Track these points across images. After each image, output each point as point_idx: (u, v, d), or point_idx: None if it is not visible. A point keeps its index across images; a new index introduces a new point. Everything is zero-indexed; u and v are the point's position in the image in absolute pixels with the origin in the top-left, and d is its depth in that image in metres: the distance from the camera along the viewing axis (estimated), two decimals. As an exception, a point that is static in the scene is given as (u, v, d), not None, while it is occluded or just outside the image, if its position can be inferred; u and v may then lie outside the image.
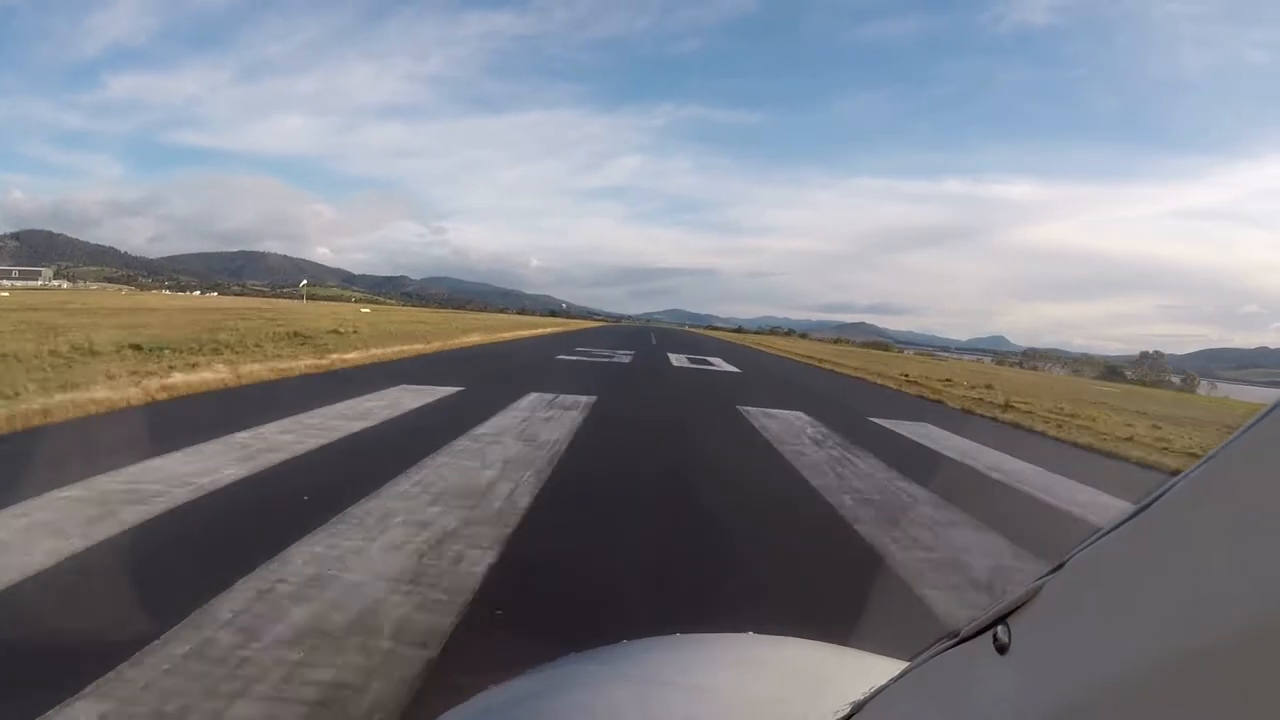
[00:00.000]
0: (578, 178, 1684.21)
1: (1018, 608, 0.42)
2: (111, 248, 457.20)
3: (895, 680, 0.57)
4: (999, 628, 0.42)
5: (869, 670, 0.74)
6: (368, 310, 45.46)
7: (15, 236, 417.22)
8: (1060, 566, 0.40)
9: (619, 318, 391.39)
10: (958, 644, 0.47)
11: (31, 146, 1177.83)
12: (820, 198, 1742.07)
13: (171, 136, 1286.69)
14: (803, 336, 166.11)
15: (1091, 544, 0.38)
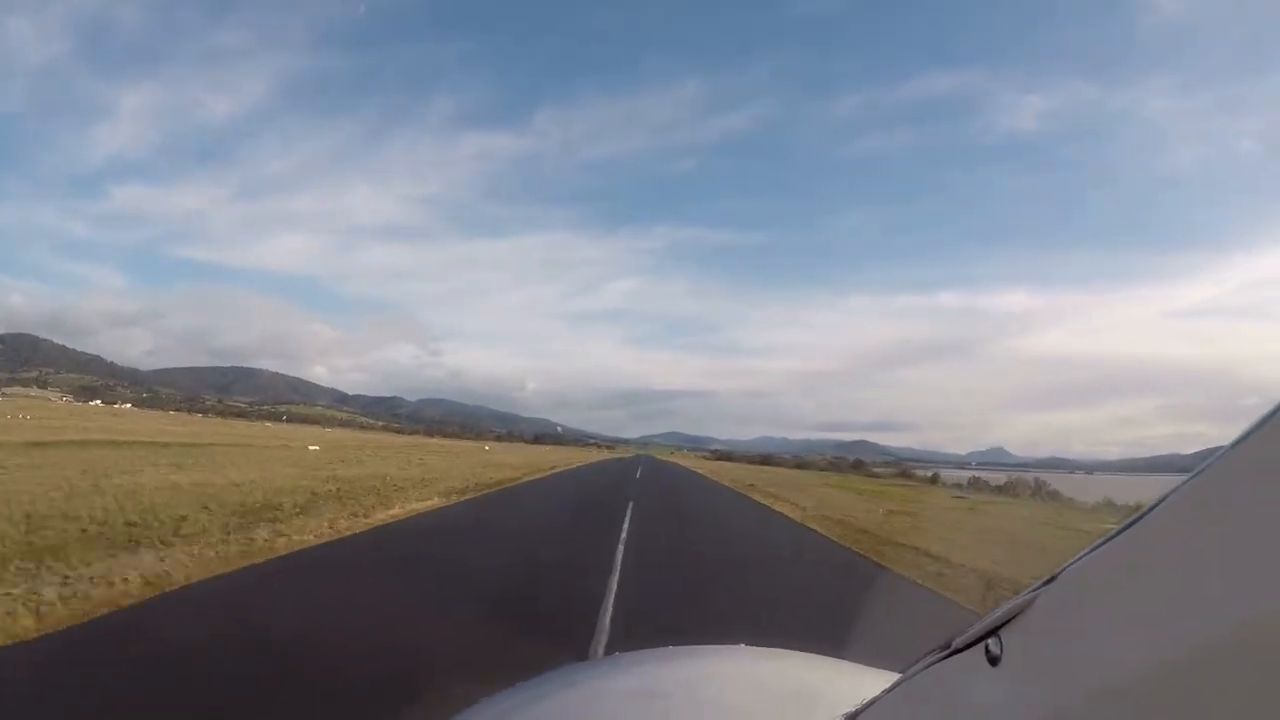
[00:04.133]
0: (575, 300, 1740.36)
1: (1010, 619, 0.41)
2: (98, 357, 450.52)
3: (887, 692, 0.57)
4: (991, 639, 0.42)
5: (861, 682, 0.77)
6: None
7: (0, 340, 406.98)
8: (1053, 579, 0.40)
9: (614, 442, 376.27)
10: (949, 656, 0.47)
11: (36, 253, 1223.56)
12: (816, 316, 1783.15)
13: (172, 250, 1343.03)
14: (870, 474, 71.62)
15: (1084, 557, 0.38)
